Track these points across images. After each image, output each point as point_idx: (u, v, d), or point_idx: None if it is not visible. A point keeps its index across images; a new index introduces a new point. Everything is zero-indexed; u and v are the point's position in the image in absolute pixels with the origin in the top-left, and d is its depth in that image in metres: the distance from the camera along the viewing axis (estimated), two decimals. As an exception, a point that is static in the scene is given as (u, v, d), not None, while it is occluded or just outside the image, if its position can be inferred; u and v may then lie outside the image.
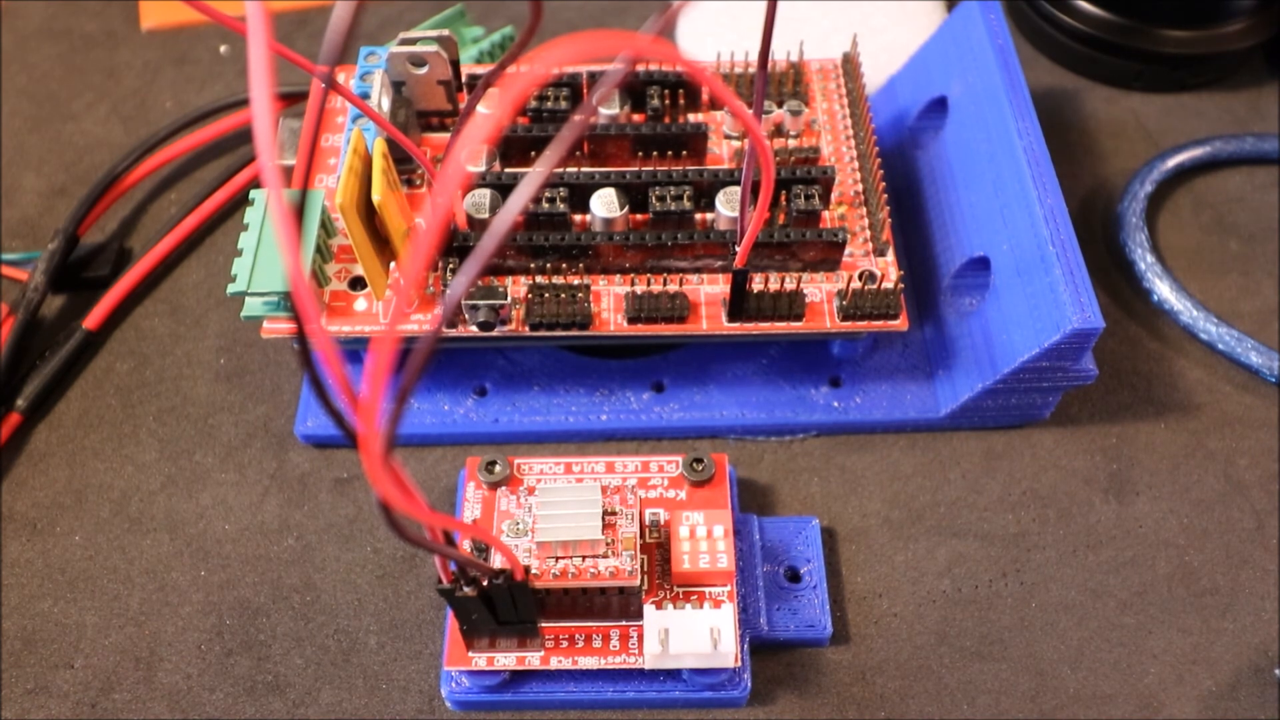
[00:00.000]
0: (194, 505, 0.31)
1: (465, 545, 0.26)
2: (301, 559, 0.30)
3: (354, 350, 0.32)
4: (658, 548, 0.28)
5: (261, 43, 0.15)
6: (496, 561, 0.26)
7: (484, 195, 0.30)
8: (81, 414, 0.33)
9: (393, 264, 0.29)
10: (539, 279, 0.30)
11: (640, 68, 0.33)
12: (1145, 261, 0.35)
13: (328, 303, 0.30)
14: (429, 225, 0.15)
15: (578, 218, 0.31)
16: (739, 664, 0.26)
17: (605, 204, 0.30)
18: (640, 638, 0.27)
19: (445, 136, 0.33)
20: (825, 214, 0.31)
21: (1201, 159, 0.39)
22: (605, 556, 0.26)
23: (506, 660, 0.27)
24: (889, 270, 0.31)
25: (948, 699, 0.28)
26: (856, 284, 0.30)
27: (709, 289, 0.30)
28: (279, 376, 0.34)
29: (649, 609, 0.26)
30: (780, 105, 0.33)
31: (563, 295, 0.29)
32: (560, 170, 0.31)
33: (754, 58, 0.33)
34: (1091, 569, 0.30)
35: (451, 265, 0.29)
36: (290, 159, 0.33)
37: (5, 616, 0.29)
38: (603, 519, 0.26)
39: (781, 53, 0.34)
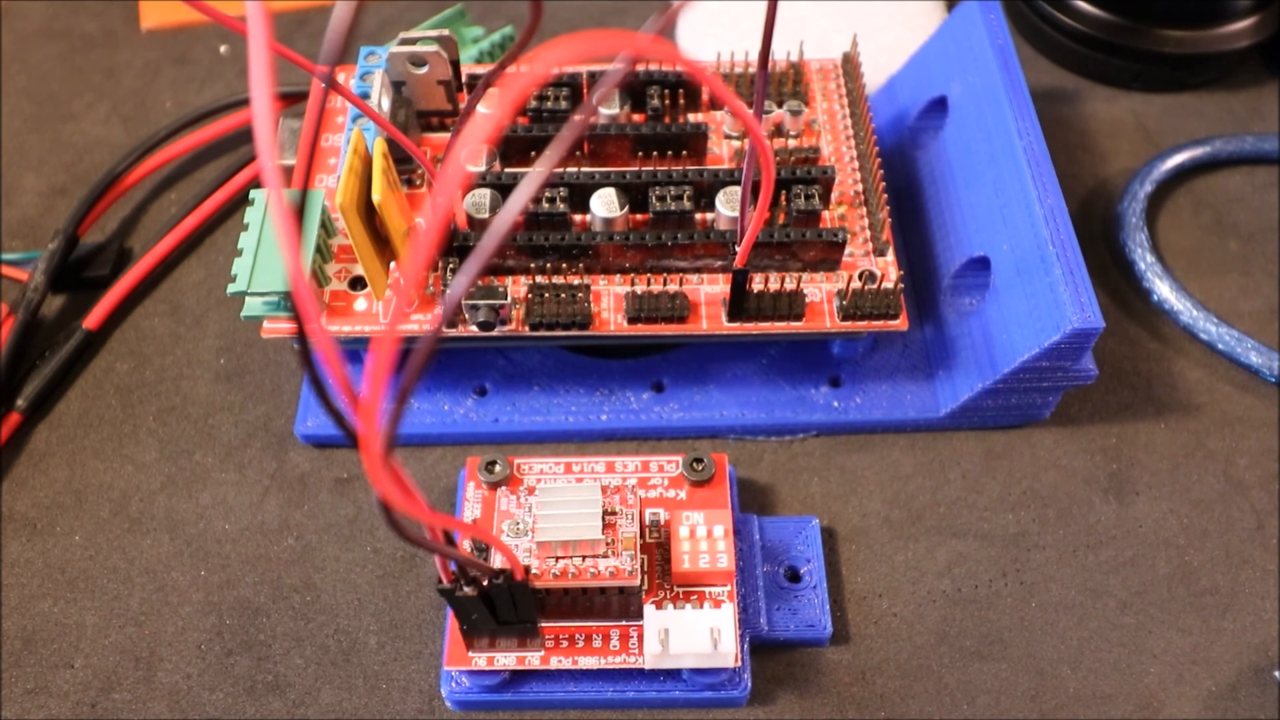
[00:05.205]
0: (194, 505, 0.31)
1: (465, 545, 0.26)
2: (301, 559, 0.30)
3: (354, 350, 0.32)
4: (658, 548, 0.28)
5: (262, 43, 0.15)
6: (496, 561, 0.26)
7: (484, 195, 0.30)
8: (81, 414, 0.33)
9: (393, 264, 0.29)
10: (539, 279, 0.30)
11: (640, 67, 0.33)
12: (1145, 261, 0.35)
13: (328, 303, 0.30)
14: (429, 225, 0.15)
15: (578, 218, 0.31)
16: (739, 664, 0.26)
17: (605, 204, 0.30)
18: (640, 638, 0.27)
19: (445, 136, 0.33)
20: (825, 214, 0.31)
21: (1201, 159, 0.39)
22: (605, 556, 0.26)
23: (506, 660, 0.27)
24: (889, 270, 0.31)
25: (947, 699, 0.28)
26: (856, 284, 0.30)
27: (709, 289, 0.30)
28: (279, 376, 0.34)
29: (649, 609, 0.26)
30: (780, 105, 0.33)
31: (563, 295, 0.29)
32: (560, 170, 0.31)
33: (754, 58, 0.33)
34: (1091, 569, 0.30)
35: (451, 265, 0.29)
36: (290, 159, 0.33)
37: (5, 616, 0.29)
38: (603, 519, 0.26)
39: (781, 53, 0.34)
